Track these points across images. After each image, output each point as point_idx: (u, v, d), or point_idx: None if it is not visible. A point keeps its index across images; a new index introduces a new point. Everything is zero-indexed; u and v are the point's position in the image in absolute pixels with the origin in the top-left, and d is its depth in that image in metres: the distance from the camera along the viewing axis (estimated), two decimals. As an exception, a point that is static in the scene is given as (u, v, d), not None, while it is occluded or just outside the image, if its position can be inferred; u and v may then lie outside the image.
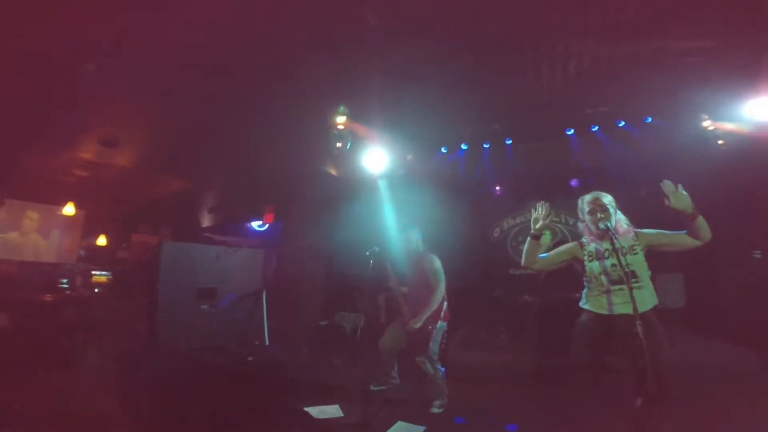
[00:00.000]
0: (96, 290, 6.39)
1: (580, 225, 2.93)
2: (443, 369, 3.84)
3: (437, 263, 3.89)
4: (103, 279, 6.58)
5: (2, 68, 3.35)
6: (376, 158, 5.43)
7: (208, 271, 3.69)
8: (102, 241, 8.48)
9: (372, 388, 3.88)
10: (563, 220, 7.79)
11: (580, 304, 2.78)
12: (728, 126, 5.21)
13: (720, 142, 5.39)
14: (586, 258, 2.75)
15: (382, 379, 4.21)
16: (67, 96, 4.08)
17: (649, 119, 5.56)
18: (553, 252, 2.93)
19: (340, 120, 4.37)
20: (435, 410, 3.73)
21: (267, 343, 3.93)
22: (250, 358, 3.31)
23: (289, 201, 6.22)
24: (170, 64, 4.01)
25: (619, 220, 2.78)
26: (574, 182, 6.98)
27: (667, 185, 2.56)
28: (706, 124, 5.34)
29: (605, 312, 2.61)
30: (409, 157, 6.21)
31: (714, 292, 5.83)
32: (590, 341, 2.67)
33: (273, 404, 3.24)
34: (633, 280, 2.51)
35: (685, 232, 2.62)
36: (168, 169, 6.69)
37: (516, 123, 5.85)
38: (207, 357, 3.18)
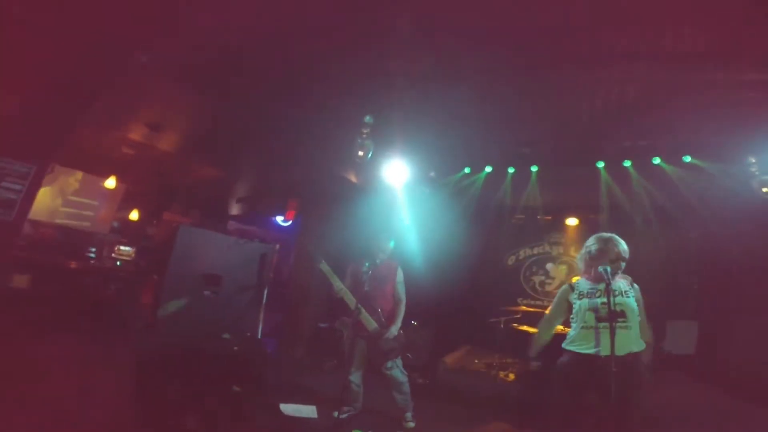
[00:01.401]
0: (118, 263, 6.72)
1: (580, 260, 2.89)
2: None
3: (402, 276, 4.03)
4: (128, 253, 6.94)
5: (67, 54, 3.70)
6: (397, 171, 5.51)
7: (217, 258, 3.88)
8: (134, 215, 8.97)
9: (343, 416, 3.59)
10: (582, 256, 7.60)
11: (564, 345, 2.74)
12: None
13: (765, 190, 4.93)
14: (575, 297, 2.75)
15: (354, 404, 3.83)
16: (122, 82, 4.44)
17: (688, 158, 5.22)
18: (550, 313, 2.92)
19: (365, 129, 4.49)
20: (410, 425, 3.68)
21: (259, 336, 4.07)
22: (235, 348, 3.44)
23: (310, 201, 6.39)
24: (212, 62, 4.28)
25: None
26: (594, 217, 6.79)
27: None
28: (753, 169, 4.90)
29: (591, 351, 2.57)
30: (432, 174, 6.26)
31: (727, 344, 5.54)
32: (574, 385, 2.65)
33: (248, 396, 3.32)
34: (621, 319, 2.53)
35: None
36: (204, 157, 7.07)
37: (546, 149, 5.64)
38: (195, 340, 3.33)
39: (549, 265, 7.85)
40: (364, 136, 4.49)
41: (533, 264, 7.94)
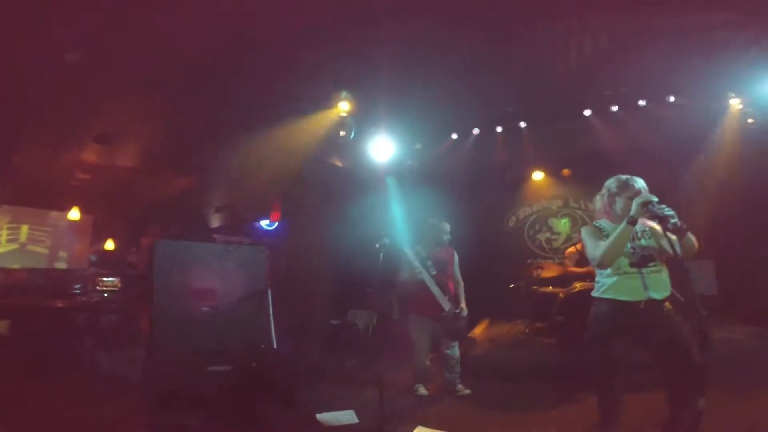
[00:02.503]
0: (105, 295, 6.29)
1: (599, 203, 2.75)
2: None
3: (457, 259, 4.19)
4: (113, 284, 6.49)
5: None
6: (383, 148, 5.19)
7: (206, 270, 3.48)
8: (110, 245, 8.42)
9: (422, 392, 3.89)
10: (582, 206, 7.46)
11: (597, 293, 2.57)
12: (758, 103, 4.86)
13: (750, 120, 5.08)
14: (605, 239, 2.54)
15: (427, 381, 4.04)
16: (60, 93, 3.93)
17: (672, 98, 5.23)
18: (596, 243, 2.57)
19: (344, 107, 4.12)
20: (466, 392, 3.83)
21: (274, 345, 3.72)
22: (253, 364, 3.09)
23: (295, 196, 6.00)
24: (165, 58, 3.83)
25: None
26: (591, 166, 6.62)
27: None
28: (734, 102, 5.03)
29: (638, 297, 2.40)
30: (418, 146, 5.94)
31: (748, 278, 5.47)
32: (616, 334, 2.47)
33: (280, 414, 3.01)
34: (653, 264, 2.46)
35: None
36: (171, 167, 6.56)
37: (530, 105, 5.53)
38: (206, 363, 2.96)
39: (552, 220, 7.67)
40: (344, 114, 4.11)
41: (535, 222, 7.75)
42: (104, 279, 6.59)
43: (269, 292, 4.12)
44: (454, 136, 6.04)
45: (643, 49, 4.22)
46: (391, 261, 3.72)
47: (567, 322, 4.56)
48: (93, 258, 8.49)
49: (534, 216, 7.77)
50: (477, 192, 7.15)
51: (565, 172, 7.35)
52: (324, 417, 3.39)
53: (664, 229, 2.26)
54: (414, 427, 3.16)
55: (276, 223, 8.37)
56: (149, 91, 4.29)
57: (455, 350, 3.95)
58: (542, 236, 7.67)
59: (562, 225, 7.58)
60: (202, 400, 2.73)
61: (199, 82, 4.22)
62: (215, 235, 8.48)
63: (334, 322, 5.69)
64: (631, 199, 2.42)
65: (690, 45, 4.06)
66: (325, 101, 4.27)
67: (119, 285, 6.58)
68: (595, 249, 2.49)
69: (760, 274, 5.29)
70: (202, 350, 3.14)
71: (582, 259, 5.25)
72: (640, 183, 2.56)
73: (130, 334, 5.03)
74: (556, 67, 4.63)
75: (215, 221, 8.92)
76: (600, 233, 2.58)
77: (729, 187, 5.48)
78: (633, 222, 2.35)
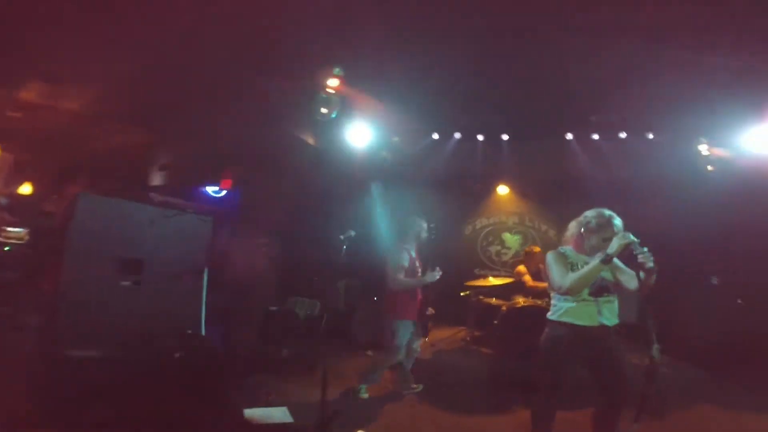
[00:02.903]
0: (6, 248, 5.36)
1: (573, 229, 2.79)
2: None
3: None
4: (18, 235, 5.54)
5: None
6: (361, 133, 4.89)
7: (137, 237, 2.96)
8: (26, 188, 7.30)
9: (412, 391, 3.86)
10: (536, 226, 7.66)
11: (555, 317, 2.64)
12: (722, 152, 5.16)
13: (709, 167, 5.35)
14: (569, 265, 2.64)
15: (408, 384, 3.93)
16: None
17: (651, 135, 5.49)
18: (563, 271, 2.66)
19: (332, 83, 3.77)
20: (419, 388, 3.87)
21: (203, 332, 3.29)
22: (177, 355, 2.67)
23: (252, 165, 5.50)
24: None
25: None
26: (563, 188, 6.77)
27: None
28: (702, 147, 5.27)
29: (593, 323, 2.52)
30: (396, 138, 5.69)
31: (669, 312, 5.85)
32: (569, 357, 2.59)
33: (206, 410, 2.63)
34: (607, 294, 2.59)
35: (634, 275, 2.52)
36: (117, 116, 5.77)
37: (515, 118, 5.50)
38: (120, 353, 2.49)
39: (505, 235, 7.79)
40: (331, 91, 3.76)
41: (489, 234, 7.86)
42: (9, 229, 5.67)
43: (206, 270, 3.67)
44: (436, 136, 5.92)
45: (630, 81, 4.28)
46: (353, 254, 3.44)
47: (506, 334, 4.67)
48: (2, 200, 7.33)
49: (489, 228, 7.87)
50: (442, 195, 7.06)
51: (528, 190, 7.50)
52: (254, 413, 3.09)
53: (639, 268, 2.35)
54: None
55: (225, 191, 7.74)
56: (104, 30, 3.64)
57: (418, 346, 4.00)
58: (494, 249, 7.79)
59: (514, 241, 7.74)
60: (108, 392, 2.29)
61: (161, 33, 3.65)
62: (152, 195, 7.66)
63: (273, 308, 5.34)
64: (605, 240, 2.50)
65: (675, 85, 4.15)
66: (308, 73, 3.88)
67: (26, 238, 5.68)
68: (563, 278, 2.56)
69: (680, 312, 5.65)
70: (115, 332, 2.66)
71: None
72: (619, 223, 2.61)
73: (29, 299, 4.23)
74: (545, 87, 4.63)
75: (156, 179, 8.05)
76: (565, 260, 2.65)
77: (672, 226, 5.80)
78: (608, 261, 2.44)
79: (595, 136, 5.58)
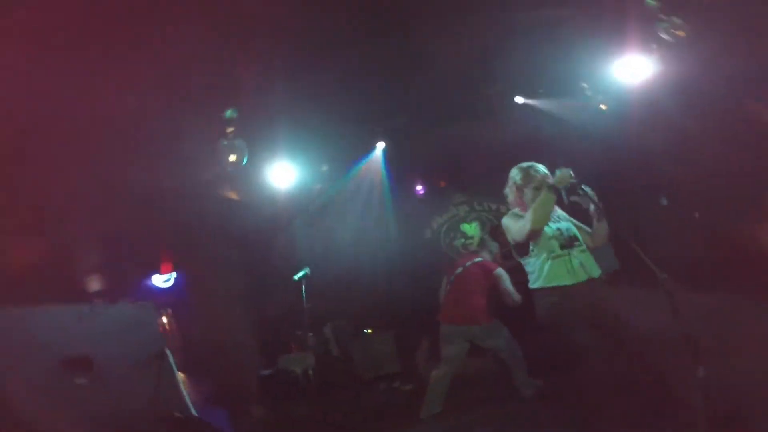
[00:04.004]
0: None
1: (510, 195, 2.72)
2: None
3: None
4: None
5: None
6: (283, 173, 4.75)
7: (71, 336, 2.65)
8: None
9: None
10: (486, 208, 7.76)
11: (537, 284, 2.42)
12: (605, 89, 5.19)
13: (602, 107, 5.41)
14: None
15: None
16: None
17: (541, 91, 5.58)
18: (528, 213, 2.49)
19: (230, 128, 3.63)
20: None
21: (193, 411, 2.96)
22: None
23: (186, 242, 5.20)
24: None
25: None
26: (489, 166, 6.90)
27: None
28: (588, 92, 5.31)
29: (579, 279, 2.33)
30: (324, 167, 5.61)
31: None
32: (577, 317, 2.30)
33: None
34: (577, 243, 2.45)
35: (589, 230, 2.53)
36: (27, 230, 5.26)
37: (416, 114, 5.50)
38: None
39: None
40: (230, 136, 3.62)
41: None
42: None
43: (168, 352, 3.35)
44: (360, 152, 5.88)
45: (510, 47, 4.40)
46: (318, 293, 3.26)
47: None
48: None
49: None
50: (391, 207, 7.01)
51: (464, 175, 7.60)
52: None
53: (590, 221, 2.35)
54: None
55: (172, 277, 7.27)
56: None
57: None
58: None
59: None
60: None
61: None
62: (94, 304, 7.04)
63: (266, 372, 5.01)
64: (537, 189, 2.45)
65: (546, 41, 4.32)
66: (209, 124, 3.73)
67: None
68: (522, 227, 2.39)
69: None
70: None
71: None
72: (541, 169, 2.59)
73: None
74: (428, 76, 4.63)
75: (94, 285, 7.43)
76: (519, 218, 2.55)
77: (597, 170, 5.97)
78: (555, 190, 2.34)
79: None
